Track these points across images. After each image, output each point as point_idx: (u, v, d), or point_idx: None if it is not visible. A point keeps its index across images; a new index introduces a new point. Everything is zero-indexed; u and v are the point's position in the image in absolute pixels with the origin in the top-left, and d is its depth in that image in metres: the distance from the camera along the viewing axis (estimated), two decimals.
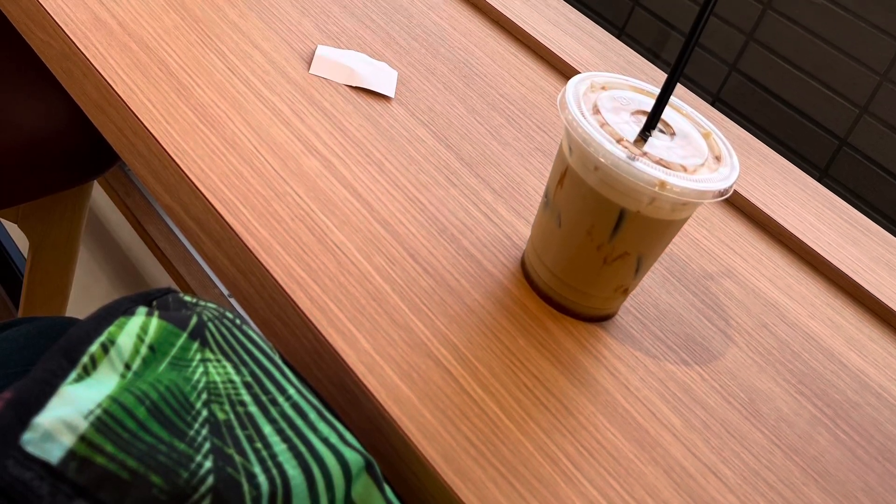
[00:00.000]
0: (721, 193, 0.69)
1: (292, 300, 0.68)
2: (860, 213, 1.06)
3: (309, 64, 0.95)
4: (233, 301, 1.77)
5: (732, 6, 1.28)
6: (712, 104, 1.31)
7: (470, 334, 0.71)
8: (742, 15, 1.27)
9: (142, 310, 0.56)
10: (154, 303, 0.57)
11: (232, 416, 0.52)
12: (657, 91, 0.73)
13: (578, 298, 0.75)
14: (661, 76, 1.18)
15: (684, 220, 0.72)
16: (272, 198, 0.76)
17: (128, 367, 0.53)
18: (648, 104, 0.74)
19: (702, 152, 0.72)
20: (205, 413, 0.52)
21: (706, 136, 0.75)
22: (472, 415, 0.64)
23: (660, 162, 0.68)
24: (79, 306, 1.82)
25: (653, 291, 0.82)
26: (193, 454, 0.49)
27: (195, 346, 0.55)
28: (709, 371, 0.76)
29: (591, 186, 0.70)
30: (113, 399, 0.49)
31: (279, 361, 0.58)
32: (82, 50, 0.84)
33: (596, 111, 0.72)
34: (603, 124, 0.70)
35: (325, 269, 0.72)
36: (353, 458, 0.54)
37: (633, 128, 0.72)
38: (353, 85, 0.94)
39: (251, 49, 0.93)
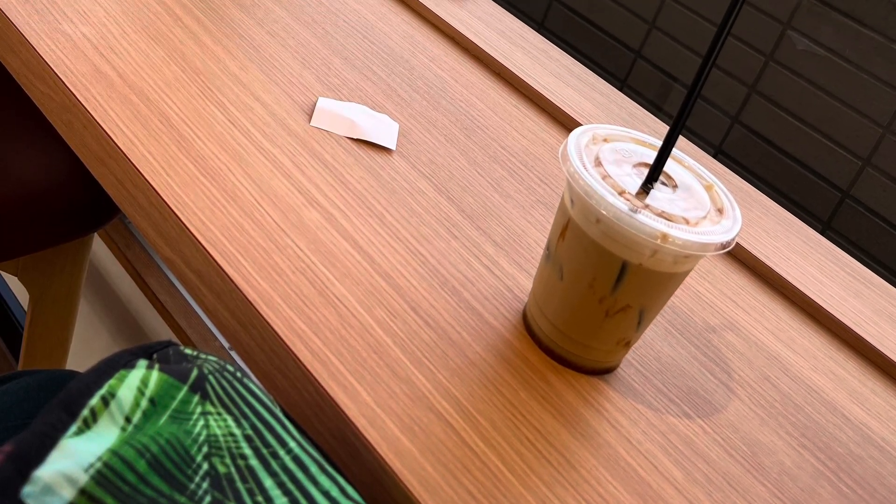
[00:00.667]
0: (723, 246, 0.69)
1: (293, 353, 0.68)
2: (863, 265, 1.06)
3: (310, 116, 0.95)
4: (233, 354, 1.76)
5: (735, 58, 1.28)
6: (714, 156, 1.31)
7: (471, 387, 0.70)
8: (744, 67, 1.28)
9: (142, 363, 0.56)
10: (154, 356, 0.57)
11: (233, 470, 0.52)
12: (659, 143, 0.73)
13: (580, 351, 0.75)
14: (664, 128, 1.19)
15: (686, 273, 0.72)
16: (273, 250, 0.76)
17: (128, 420, 0.52)
18: (650, 156, 0.74)
19: (704, 205, 0.72)
20: (205, 466, 0.51)
21: (708, 188, 0.75)
22: (474, 468, 0.64)
23: (662, 214, 0.68)
24: (79, 359, 1.81)
25: (655, 344, 0.82)
26: None
27: (196, 399, 0.55)
28: (711, 424, 0.76)
29: (592, 239, 0.70)
30: (113, 452, 0.49)
31: (280, 414, 0.57)
32: (83, 102, 0.84)
33: (598, 163, 0.72)
34: (605, 177, 0.70)
35: (327, 321, 0.71)
36: None
37: (636, 180, 0.72)
38: (355, 137, 0.94)
39: (252, 101, 0.93)
